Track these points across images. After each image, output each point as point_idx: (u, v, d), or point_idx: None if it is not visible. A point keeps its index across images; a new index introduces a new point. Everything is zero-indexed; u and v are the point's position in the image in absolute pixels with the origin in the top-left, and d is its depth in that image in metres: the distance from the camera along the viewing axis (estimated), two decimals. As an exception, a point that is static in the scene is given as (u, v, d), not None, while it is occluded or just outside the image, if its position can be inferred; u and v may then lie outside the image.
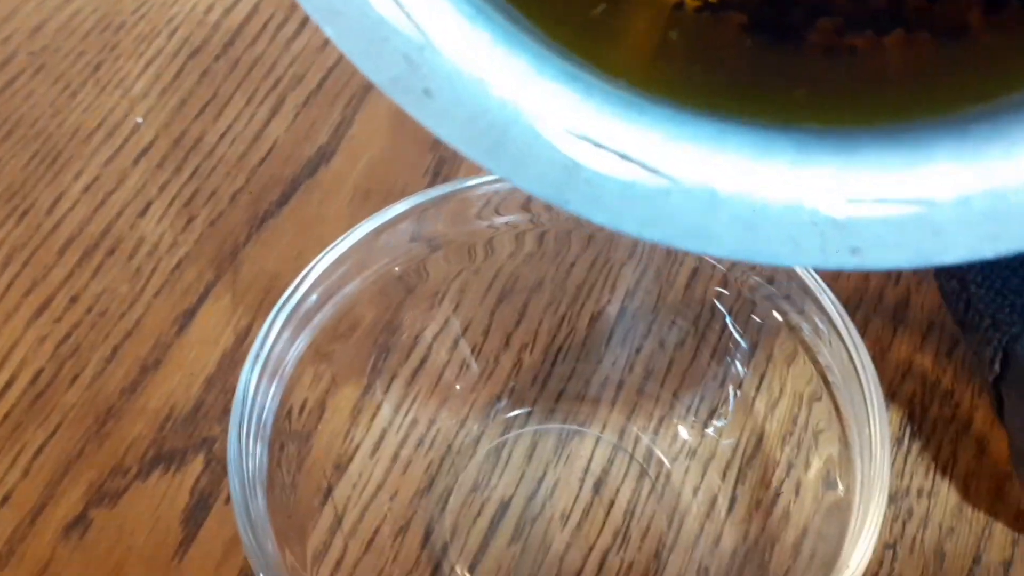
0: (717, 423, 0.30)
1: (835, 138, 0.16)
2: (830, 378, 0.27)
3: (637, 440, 0.30)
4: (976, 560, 0.29)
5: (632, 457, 0.29)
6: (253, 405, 0.26)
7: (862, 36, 0.18)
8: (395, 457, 0.30)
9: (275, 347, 0.27)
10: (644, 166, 0.15)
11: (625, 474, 0.29)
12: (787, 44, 0.19)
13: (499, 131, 0.15)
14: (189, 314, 0.33)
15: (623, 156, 0.15)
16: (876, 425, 0.25)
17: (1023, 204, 0.15)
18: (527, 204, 0.29)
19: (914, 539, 0.29)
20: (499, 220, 0.29)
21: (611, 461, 0.30)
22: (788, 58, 0.19)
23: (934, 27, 0.18)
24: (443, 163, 0.37)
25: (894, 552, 0.29)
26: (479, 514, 0.29)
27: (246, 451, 0.25)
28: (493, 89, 0.15)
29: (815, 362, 0.28)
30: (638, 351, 0.32)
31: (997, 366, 0.27)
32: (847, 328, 0.26)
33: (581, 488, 0.29)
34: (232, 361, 0.32)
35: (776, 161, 0.15)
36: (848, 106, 0.17)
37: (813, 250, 0.15)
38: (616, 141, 0.15)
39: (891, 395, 0.31)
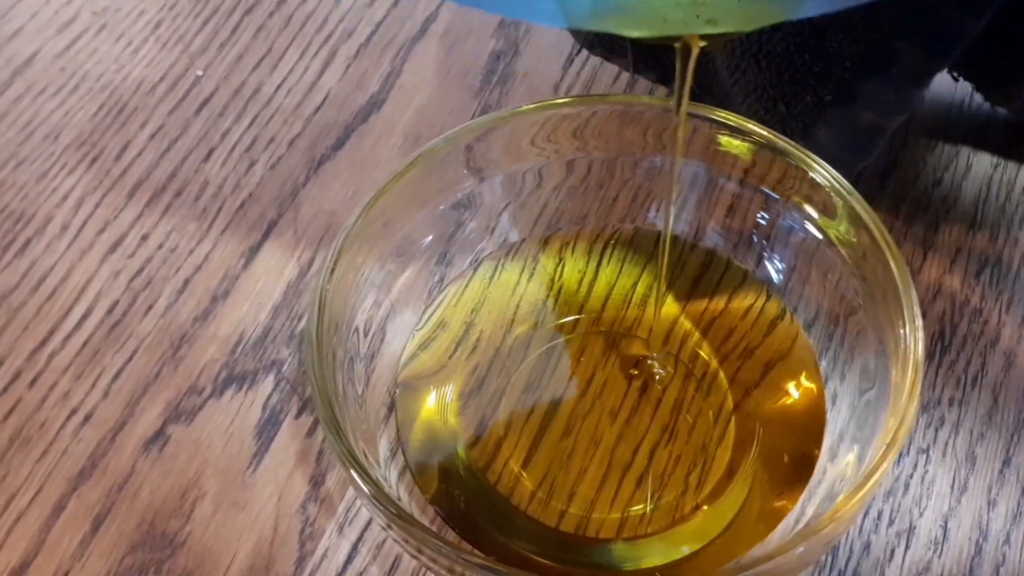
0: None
1: None
2: (865, 289, 0.29)
3: (683, 342, 0.31)
4: (1006, 462, 0.30)
5: (678, 359, 0.31)
6: (326, 320, 0.28)
7: None
8: (453, 373, 0.32)
9: (338, 273, 0.29)
10: None
11: (672, 374, 0.31)
12: None
13: None
14: (254, 249, 0.35)
15: None
16: (910, 325, 0.27)
17: None
18: (578, 131, 0.31)
19: (946, 444, 0.31)
20: (551, 147, 0.31)
21: (658, 362, 0.31)
22: None
23: None
24: (488, 109, 0.39)
25: (927, 456, 0.30)
26: (531, 412, 0.30)
27: (324, 359, 0.27)
28: None
29: (852, 276, 0.29)
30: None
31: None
32: (884, 237, 0.27)
33: (629, 387, 0.31)
34: (297, 291, 0.34)
35: None
36: None
37: (678, 22, 0.18)
38: None
39: (922, 314, 0.32)
